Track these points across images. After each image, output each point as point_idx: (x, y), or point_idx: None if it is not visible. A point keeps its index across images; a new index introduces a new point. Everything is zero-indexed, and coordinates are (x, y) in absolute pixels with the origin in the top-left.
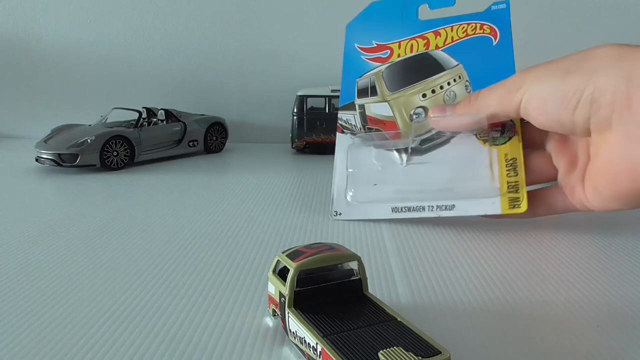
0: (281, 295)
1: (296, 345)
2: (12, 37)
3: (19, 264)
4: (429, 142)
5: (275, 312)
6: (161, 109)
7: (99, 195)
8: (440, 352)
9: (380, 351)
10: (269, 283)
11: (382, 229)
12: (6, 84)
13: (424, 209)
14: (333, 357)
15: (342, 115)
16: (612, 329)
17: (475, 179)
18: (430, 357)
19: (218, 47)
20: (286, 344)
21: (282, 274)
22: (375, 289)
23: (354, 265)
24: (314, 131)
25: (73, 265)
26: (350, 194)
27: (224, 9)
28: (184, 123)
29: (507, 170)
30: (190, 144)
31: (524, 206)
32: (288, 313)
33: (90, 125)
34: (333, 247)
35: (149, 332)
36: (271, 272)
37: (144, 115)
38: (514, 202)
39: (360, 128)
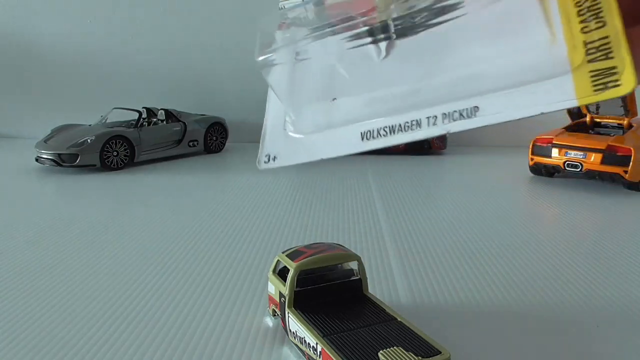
0: (281, 295)
1: (296, 345)
2: (12, 38)
3: (19, 264)
4: (426, 15)
5: (276, 312)
6: (161, 109)
7: (99, 195)
8: (440, 352)
9: (380, 351)
10: (269, 283)
11: (382, 227)
12: (6, 84)
13: (419, 124)
14: (333, 357)
15: (285, 3)
16: (611, 329)
17: (520, 47)
18: (430, 357)
19: (218, 47)
20: (286, 344)
21: (282, 274)
22: (375, 289)
23: (354, 265)
24: None
25: (73, 265)
26: (290, 120)
27: (224, 9)
28: (184, 123)
29: (582, 18)
30: (190, 144)
31: (627, 81)
32: (288, 313)
33: (90, 125)
34: (333, 247)
35: (149, 331)
36: (271, 272)
37: (144, 115)
38: (603, 77)
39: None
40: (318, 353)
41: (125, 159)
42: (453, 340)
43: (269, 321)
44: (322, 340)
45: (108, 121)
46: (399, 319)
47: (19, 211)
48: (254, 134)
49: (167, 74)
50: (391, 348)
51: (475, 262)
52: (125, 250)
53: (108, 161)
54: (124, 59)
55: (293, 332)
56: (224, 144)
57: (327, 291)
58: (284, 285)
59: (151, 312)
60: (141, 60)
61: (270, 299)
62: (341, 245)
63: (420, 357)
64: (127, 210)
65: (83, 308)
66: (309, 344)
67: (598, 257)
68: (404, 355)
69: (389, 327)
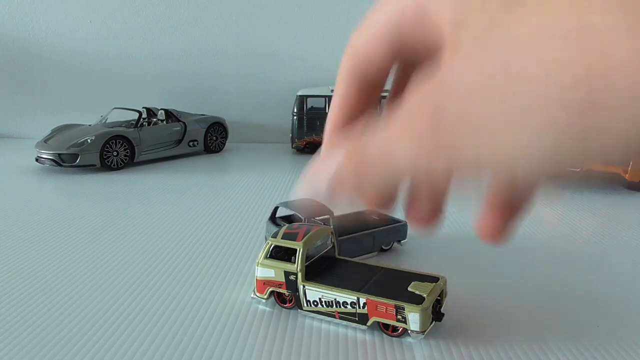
0: (289, 273)
1: (317, 312)
2: (13, 38)
3: (19, 264)
4: None
5: (276, 292)
6: (161, 109)
7: (99, 195)
8: (439, 278)
9: (408, 287)
10: (264, 269)
11: None
12: (6, 84)
13: None
14: (380, 301)
15: None
16: (612, 329)
17: None
18: (436, 282)
19: (218, 48)
20: (293, 319)
21: (279, 256)
22: None
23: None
24: (314, 131)
25: (73, 265)
26: None
27: (224, 10)
28: (184, 123)
29: None
30: (190, 144)
31: None
32: (304, 286)
33: (90, 125)
34: (312, 225)
35: (149, 331)
36: (264, 258)
37: (144, 115)
38: None
39: None
40: (361, 305)
41: (125, 159)
42: (452, 343)
43: (265, 306)
44: (361, 294)
45: (108, 121)
46: (392, 267)
47: (19, 211)
48: (254, 134)
49: (167, 74)
50: (411, 283)
51: (473, 261)
52: (124, 249)
53: (108, 161)
54: (124, 59)
55: (314, 301)
56: (224, 144)
57: (320, 261)
58: (293, 264)
59: (151, 311)
60: (141, 61)
61: (267, 283)
62: (312, 224)
63: (432, 283)
64: (127, 210)
65: (83, 307)
66: (344, 302)
67: (598, 257)
68: (422, 285)
69: (392, 274)
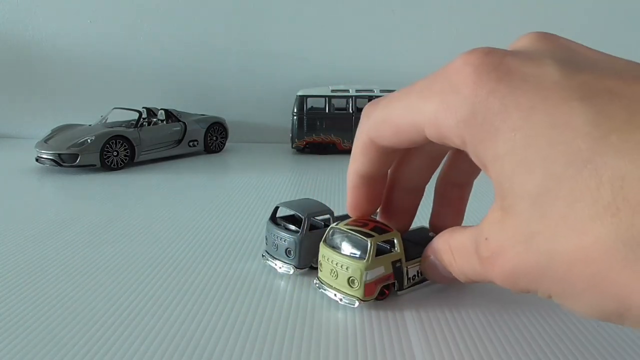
0: (395, 262)
1: (415, 284)
2: (12, 37)
3: (19, 264)
4: None
5: (388, 288)
6: (161, 109)
7: (99, 195)
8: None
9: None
10: (372, 270)
11: None
12: (6, 84)
13: None
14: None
15: None
16: (612, 329)
17: None
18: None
19: (218, 47)
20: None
21: (378, 252)
22: None
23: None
24: (314, 131)
25: (73, 265)
26: None
27: (224, 9)
28: (184, 123)
29: None
30: (190, 144)
31: None
32: (407, 267)
33: (90, 125)
34: (345, 217)
35: (149, 332)
36: (371, 261)
37: (144, 115)
38: None
39: None
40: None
41: (125, 159)
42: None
43: (352, 303)
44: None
45: (108, 121)
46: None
47: (19, 211)
48: (254, 134)
49: (167, 74)
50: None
51: None
52: (124, 250)
53: (108, 161)
54: (124, 59)
55: (413, 276)
56: (224, 144)
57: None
58: (396, 252)
59: (151, 312)
60: (141, 60)
61: (378, 281)
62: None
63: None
64: (127, 210)
65: (83, 308)
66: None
67: None
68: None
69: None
